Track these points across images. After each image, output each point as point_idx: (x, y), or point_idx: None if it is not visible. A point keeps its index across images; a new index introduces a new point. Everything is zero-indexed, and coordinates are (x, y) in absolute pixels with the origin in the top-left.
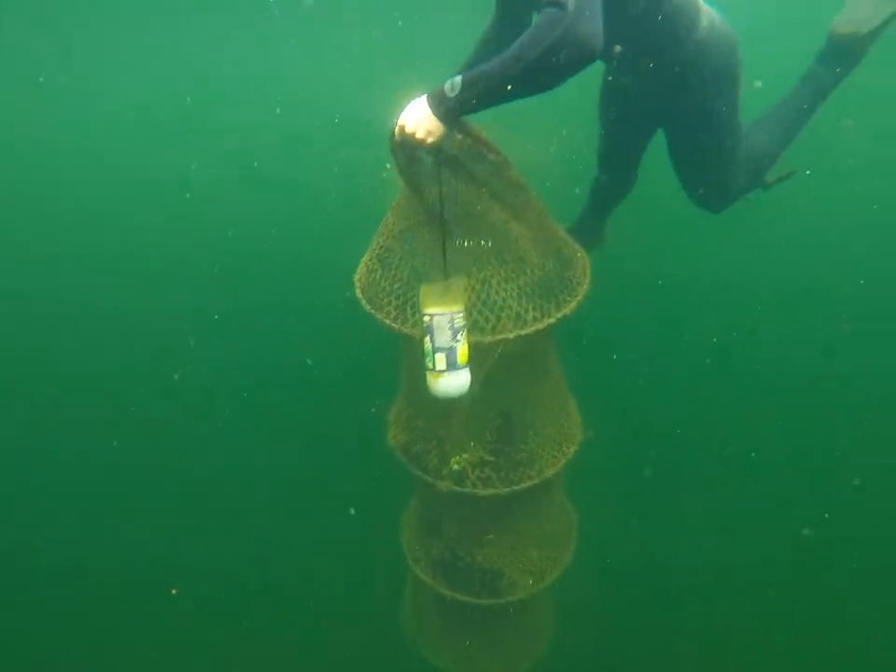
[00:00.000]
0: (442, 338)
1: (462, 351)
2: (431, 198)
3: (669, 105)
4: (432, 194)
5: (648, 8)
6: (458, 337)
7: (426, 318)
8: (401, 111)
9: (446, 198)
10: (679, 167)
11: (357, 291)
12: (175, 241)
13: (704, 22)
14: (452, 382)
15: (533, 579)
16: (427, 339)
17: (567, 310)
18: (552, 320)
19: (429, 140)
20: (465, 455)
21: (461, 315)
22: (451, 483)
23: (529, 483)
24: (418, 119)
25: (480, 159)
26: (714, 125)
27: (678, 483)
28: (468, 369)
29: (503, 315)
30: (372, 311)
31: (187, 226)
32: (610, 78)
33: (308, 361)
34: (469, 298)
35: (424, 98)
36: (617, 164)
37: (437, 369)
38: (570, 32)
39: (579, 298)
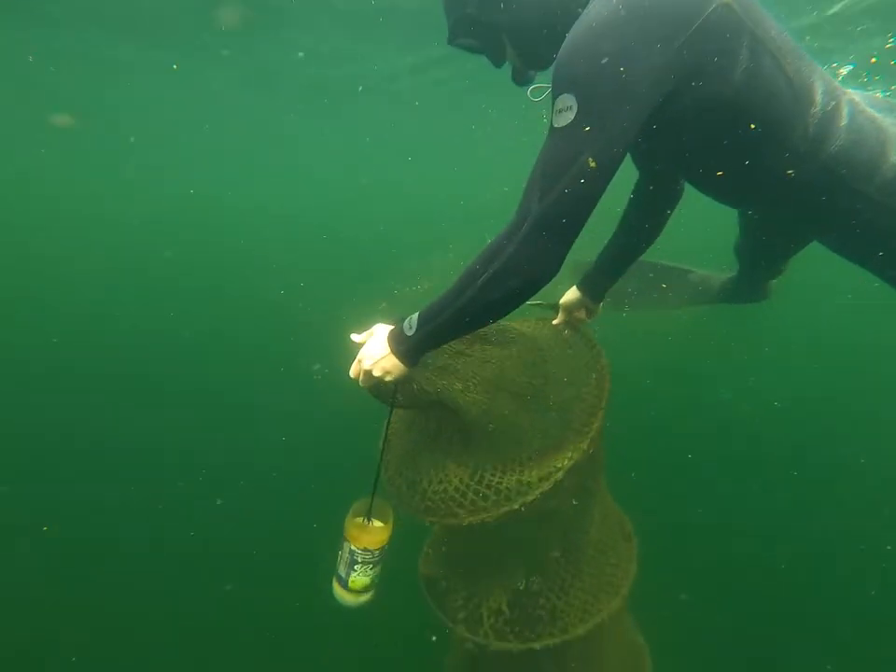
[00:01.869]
0: (341, 564)
1: (353, 580)
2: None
3: (849, 243)
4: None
5: (802, 168)
6: (355, 568)
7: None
8: (364, 341)
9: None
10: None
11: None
12: None
13: (893, 158)
14: (342, 595)
15: None
16: (340, 553)
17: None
18: (559, 474)
19: (387, 379)
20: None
21: (360, 553)
22: (464, 629)
23: (548, 642)
24: (376, 357)
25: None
26: None
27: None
28: (361, 596)
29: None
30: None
31: None
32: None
33: None
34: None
35: (385, 334)
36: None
37: (335, 579)
38: (513, 262)
39: (591, 434)
